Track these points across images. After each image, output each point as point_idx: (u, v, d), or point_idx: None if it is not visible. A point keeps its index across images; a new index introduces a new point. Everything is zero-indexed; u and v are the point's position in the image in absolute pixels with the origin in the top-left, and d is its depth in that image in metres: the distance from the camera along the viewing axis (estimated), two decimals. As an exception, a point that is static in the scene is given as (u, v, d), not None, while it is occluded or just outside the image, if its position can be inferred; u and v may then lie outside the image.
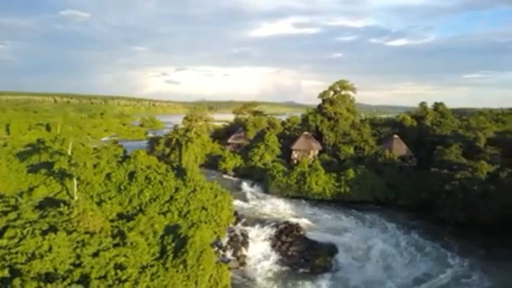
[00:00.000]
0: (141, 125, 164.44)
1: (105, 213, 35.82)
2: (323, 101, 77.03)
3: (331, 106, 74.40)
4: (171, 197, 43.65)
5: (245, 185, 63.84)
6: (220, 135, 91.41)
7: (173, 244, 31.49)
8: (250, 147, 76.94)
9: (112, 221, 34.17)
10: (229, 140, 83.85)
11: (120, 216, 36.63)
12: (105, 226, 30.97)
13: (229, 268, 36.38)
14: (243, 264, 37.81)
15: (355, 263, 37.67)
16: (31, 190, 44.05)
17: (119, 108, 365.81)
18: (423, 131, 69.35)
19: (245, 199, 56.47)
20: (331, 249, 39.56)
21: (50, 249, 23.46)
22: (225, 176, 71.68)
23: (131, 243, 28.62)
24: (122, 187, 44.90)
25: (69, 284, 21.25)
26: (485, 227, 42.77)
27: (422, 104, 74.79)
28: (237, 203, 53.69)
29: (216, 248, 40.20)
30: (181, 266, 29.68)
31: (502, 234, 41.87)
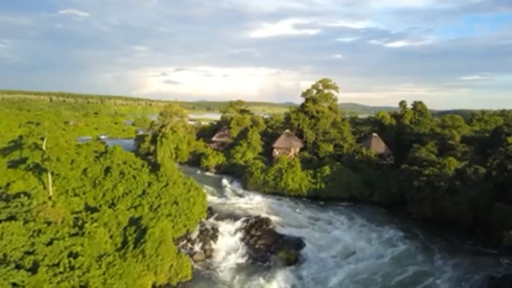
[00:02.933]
0: (133, 124, 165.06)
1: (72, 206, 36.55)
2: (306, 99, 77.85)
3: (314, 104, 75.21)
4: (144, 192, 44.43)
5: (224, 182, 64.53)
6: (206, 133, 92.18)
7: (135, 235, 32.23)
8: (233, 145, 77.76)
9: (78, 213, 34.89)
10: (213, 138, 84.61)
11: (88, 208, 37.24)
12: (66, 217, 31.66)
13: (194, 261, 37.35)
14: (209, 256, 38.44)
15: (320, 256, 38.30)
16: (9, 185, 44.61)
17: (115, 107, 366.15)
18: (401, 130, 70.14)
19: (222, 195, 57.22)
20: (298, 243, 40.23)
21: (1, 237, 24.11)
22: (206, 173, 72.51)
23: (89, 233, 29.28)
24: (97, 182, 45.47)
25: (13, 269, 21.87)
26: (452, 222, 43.60)
27: (402, 103, 75.55)
28: (214, 198, 54.54)
29: (185, 241, 40.98)
30: (140, 256, 30.46)
31: (468, 229, 42.68)
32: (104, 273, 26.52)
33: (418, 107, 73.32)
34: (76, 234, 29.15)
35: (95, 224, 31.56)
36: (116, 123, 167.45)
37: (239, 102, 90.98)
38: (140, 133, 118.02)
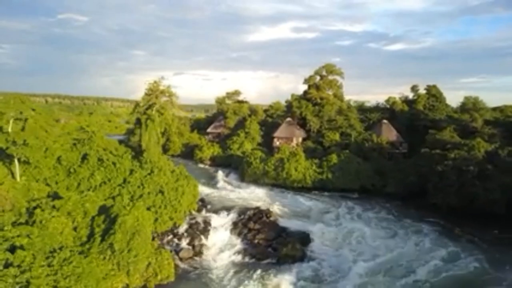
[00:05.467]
0: (127, 122, 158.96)
1: (32, 192, 30.35)
2: (309, 86, 71.62)
3: (317, 91, 69.04)
4: (124, 180, 38.41)
5: (220, 174, 58.44)
6: (201, 125, 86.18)
7: (103, 226, 25.99)
8: (230, 135, 71.68)
9: (36, 200, 28.64)
10: (209, 130, 78.47)
11: (52, 196, 31.02)
12: (18, 203, 25.47)
13: (180, 258, 31.15)
14: (198, 253, 32.19)
15: (330, 253, 32.10)
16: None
17: (111, 109, 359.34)
18: (414, 116, 63.87)
19: (216, 187, 51.11)
20: (304, 237, 34.07)
21: None
22: (201, 165, 66.50)
23: (41, 222, 23.06)
24: (72, 170, 39.38)
25: None
26: (482, 212, 37.40)
27: (414, 88, 69.36)
28: (207, 190, 48.48)
29: (170, 236, 34.82)
30: (109, 252, 24.17)
31: (502, 218, 36.50)
32: (55, 273, 20.27)
33: (432, 91, 66.90)
34: (25, 224, 22.94)
35: (54, 213, 25.40)
36: (109, 121, 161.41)
37: (236, 92, 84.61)
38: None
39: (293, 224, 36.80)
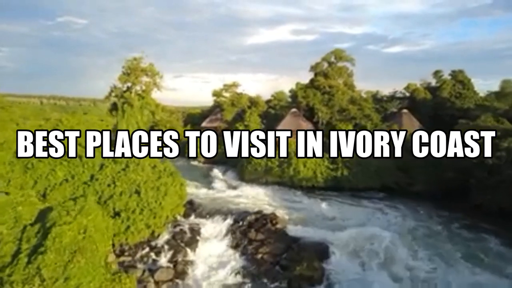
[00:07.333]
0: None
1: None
2: (316, 74, 63.60)
3: (325, 79, 61.00)
4: (92, 177, 30.34)
5: (215, 172, 50.48)
6: (196, 120, 78.24)
7: (34, 241, 17.82)
8: (227, 130, 63.54)
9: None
10: (203, 124, 70.44)
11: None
12: None
13: (156, 282, 22.96)
14: (182, 274, 24.03)
15: (359, 272, 23.96)
16: None
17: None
18: (439, 105, 55.75)
19: (211, 187, 42.97)
20: (322, 250, 25.85)
21: None
22: (194, 163, 58.58)
23: None
24: (29, 166, 31.35)
25: None
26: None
27: (437, 73, 61.23)
28: (199, 191, 40.45)
29: (147, 250, 26.69)
30: (37, 280, 15.99)
31: None
32: None
33: (458, 77, 58.80)
34: None
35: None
36: (102, 120, 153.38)
37: (235, 84, 76.38)
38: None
39: (306, 233, 28.47)
